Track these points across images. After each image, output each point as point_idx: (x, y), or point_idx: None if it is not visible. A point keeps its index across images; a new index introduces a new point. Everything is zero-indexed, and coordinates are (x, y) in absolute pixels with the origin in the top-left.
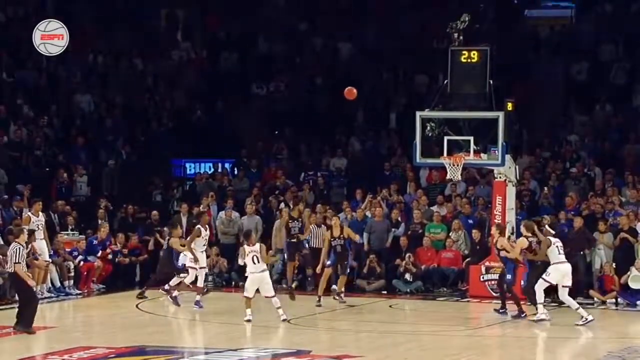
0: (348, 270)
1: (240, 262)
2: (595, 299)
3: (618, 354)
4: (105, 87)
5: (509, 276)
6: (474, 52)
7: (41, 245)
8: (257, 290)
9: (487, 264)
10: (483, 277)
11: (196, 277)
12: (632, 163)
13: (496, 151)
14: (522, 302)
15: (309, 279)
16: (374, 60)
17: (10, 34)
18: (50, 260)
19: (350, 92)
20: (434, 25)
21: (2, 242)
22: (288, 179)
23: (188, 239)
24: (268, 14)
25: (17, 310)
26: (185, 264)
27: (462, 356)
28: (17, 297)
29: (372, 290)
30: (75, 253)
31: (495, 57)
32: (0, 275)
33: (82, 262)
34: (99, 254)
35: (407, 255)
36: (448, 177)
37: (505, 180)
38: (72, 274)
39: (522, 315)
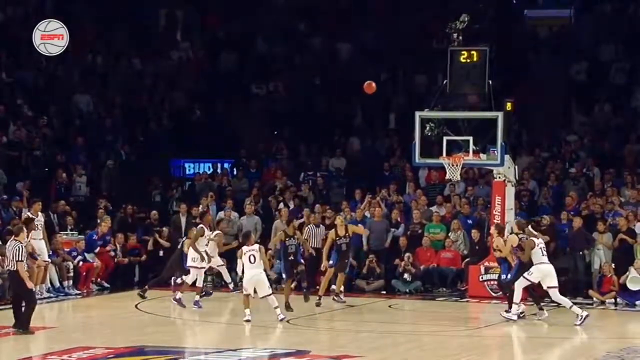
0: (347, 269)
1: (239, 268)
2: (595, 299)
3: (617, 354)
4: (104, 87)
5: (503, 276)
6: (474, 52)
7: (40, 245)
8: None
9: (486, 264)
10: (482, 277)
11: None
12: (631, 163)
13: (495, 151)
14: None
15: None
16: (373, 61)
17: (10, 34)
18: (50, 261)
19: (370, 87)
20: (433, 25)
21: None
22: (287, 179)
23: (192, 238)
24: (267, 14)
25: (12, 310)
26: (187, 264)
27: (462, 356)
28: (13, 296)
29: (371, 290)
30: (75, 253)
31: (495, 57)
32: None
33: (81, 263)
34: (97, 250)
35: (407, 255)
36: (447, 177)
37: (505, 180)
38: (72, 274)
39: (521, 315)
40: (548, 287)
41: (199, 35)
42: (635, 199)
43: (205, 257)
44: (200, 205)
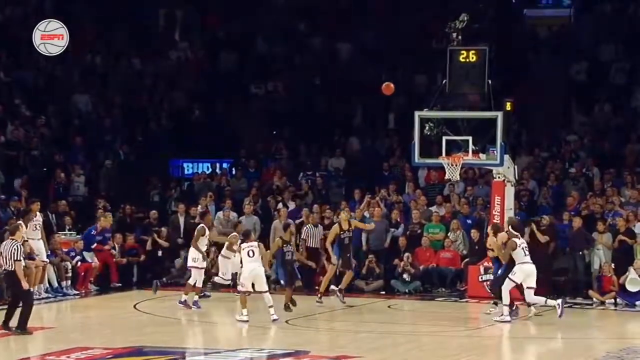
0: (353, 265)
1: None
2: (594, 299)
3: (616, 354)
4: (103, 87)
5: (491, 277)
6: (473, 52)
7: (38, 245)
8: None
9: (485, 264)
10: (482, 277)
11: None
12: (631, 163)
13: (495, 151)
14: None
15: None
16: (373, 61)
17: (9, 33)
18: (48, 261)
19: (388, 88)
20: (433, 25)
21: None
22: (286, 179)
23: (193, 238)
24: (267, 14)
25: (6, 309)
26: (188, 265)
27: (462, 357)
28: (9, 296)
29: (370, 290)
30: (73, 253)
31: (494, 57)
32: None
33: (79, 263)
34: (94, 246)
35: (406, 255)
36: (447, 177)
37: (504, 180)
38: (70, 274)
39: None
40: (527, 287)
41: (198, 35)
42: (635, 199)
43: (206, 257)
44: (199, 206)
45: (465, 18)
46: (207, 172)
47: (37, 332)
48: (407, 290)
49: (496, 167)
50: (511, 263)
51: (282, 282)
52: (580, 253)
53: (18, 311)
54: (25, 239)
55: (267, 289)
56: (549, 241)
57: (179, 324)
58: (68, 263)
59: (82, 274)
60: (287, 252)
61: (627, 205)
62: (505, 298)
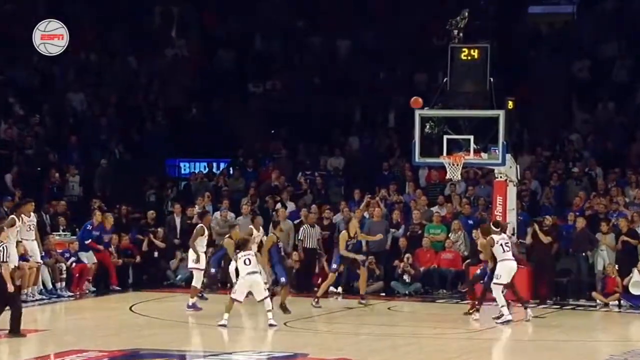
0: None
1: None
2: (598, 301)
3: (620, 357)
4: (98, 85)
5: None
6: (474, 49)
7: (32, 246)
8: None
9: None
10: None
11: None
12: (635, 162)
13: (497, 150)
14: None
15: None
16: (373, 59)
17: (2, 31)
18: (42, 262)
19: (417, 102)
20: (433, 22)
21: None
22: (285, 179)
23: (191, 238)
24: (265, 12)
25: None
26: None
27: (463, 359)
28: None
29: (370, 292)
30: (67, 254)
31: (496, 54)
32: None
33: (74, 264)
34: (89, 242)
35: (406, 256)
36: (448, 176)
37: (506, 180)
38: (64, 275)
39: (473, 311)
40: (495, 282)
41: (195, 33)
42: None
43: (205, 258)
44: (196, 206)
45: (466, 14)
46: (204, 172)
47: (31, 334)
48: (407, 292)
49: (498, 166)
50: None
51: (282, 279)
52: (584, 254)
53: (8, 314)
54: (19, 239)
55: (266, 295)
56: (551, 242)
57: (176, 326)
58: (62, 264)
59: (77, 275)
60: (280, 248)
61: (631, 206)
62: (501, 300)
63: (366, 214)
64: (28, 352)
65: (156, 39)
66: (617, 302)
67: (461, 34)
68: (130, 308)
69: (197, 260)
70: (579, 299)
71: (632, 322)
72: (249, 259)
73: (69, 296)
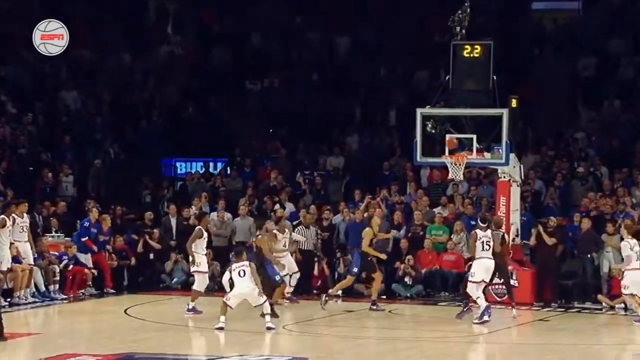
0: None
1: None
2: (604, 303)
3: None
4: (92, 83)
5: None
6: (477, 46)
7: (25, 247)
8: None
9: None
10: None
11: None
12: None
13: (500, 150)
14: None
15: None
16: (373, 56)
17: None
18: (34, 264)
19: (452, 143)
20: (434, 19)
21: None
22: (283, 179)
23: (188, 241)
24: (263, 8)
25: None
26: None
27: None
28: None
29: (370, 294)
30: (65, 257)
31: (499, 52)
32: None
33: (71, 266)
34: (85, 239)
35: (407, 258)
36: (450, 176)
37: (510, 180)
38: (57, 277)
39: (465, 310)
40: (471, 280)
41: (191, 29)
42: None
43: (201, 262)
44: (193, 206)
45: (468, 10)
46: (201, 172)
47: (23, 338)
48: (408, 295)
49: (501, 166)
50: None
51: (277, 277)
52: (589, 256)
53: None
54: (12, 241)
55: (263, 300)
56: (556, 243)
57: (171, 329)
58: (56, 266)
59: (70, 277)
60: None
61: (638, 207)
62: (481, 301)
63: (366, 215)
64: (20, 357)
65: (151, 36)
66: (623, 305)
67: (463, 31)
68: (125, 311)
69: (195, 264)
70: (584, 301)
71: (638, 326)
72: (243, 271)
73: (62, 299)
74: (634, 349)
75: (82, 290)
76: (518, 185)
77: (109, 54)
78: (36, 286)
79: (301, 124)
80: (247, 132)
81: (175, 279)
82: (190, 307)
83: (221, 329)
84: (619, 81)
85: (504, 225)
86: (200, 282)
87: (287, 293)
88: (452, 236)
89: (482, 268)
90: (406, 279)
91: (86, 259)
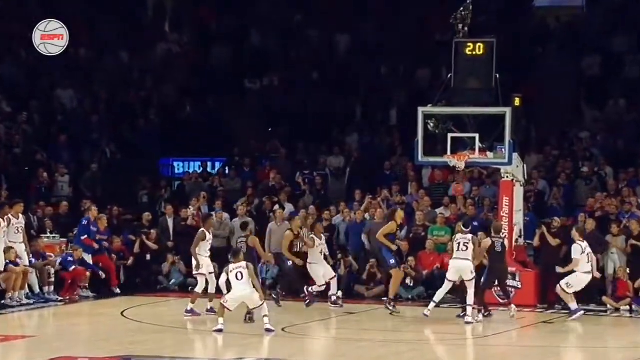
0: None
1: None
2: (609, 305)
3: None
4: (88, 81)
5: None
6: (480, 44)
7: (20, 249)
8: None
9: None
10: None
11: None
12: None
13: (503, 149)
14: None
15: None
16: (373, 54)
17: None
18: (29, 265)
19: (457, 189)
20: (435, 16)
21: None
22: (283, 179)
23: (193, 244)
24: (262, 5)
25: None
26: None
27: None
28: None
29: (371, 296)
30: (70, 259)
31: (502, 49)
32: None
33: (73, 267)
34: (84, 237)
35: (409, 259)
36: (452, 164)
37: (513, 180)
38: (53, 279)
39: (485, 314)
40: (450, 280)
41: (189, 27)
42: None
43: (204, 264)
44: (190, 207)
45: (470, 7)
46: (199, 172)
47: (18, 340)
48: (410, 296)
49: (504, 166)
50: (488, 268)
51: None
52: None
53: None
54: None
55: (260, 303)
56: (560, 244)
57: (169, 332)
58: (51, 267)
59: (69, 280)
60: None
61: None
62: (439, 296)
63: (367, 215)
64: None
65: (149, 34)
66: (628, 307)
67: (466, 28)
68: (122, 313)
69: (202, 266)
70: (588, 303)
71: None
72: (240, 273)
73: (58, 301)
74: (639, 351)
75: (81, 292)
76: (521, 186)
77: (106, 52)
78: (31, 288)
79: (301, 123)
80: (246, 132)
81: (172, 281)
82: (188, 308)
83: (220, 331)
84: (624, 80)
85: (504, 231)
86: (202, 284)
87: (333, 296)
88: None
89: (453, 269)
90: (408, 281)
91: (88, 258)
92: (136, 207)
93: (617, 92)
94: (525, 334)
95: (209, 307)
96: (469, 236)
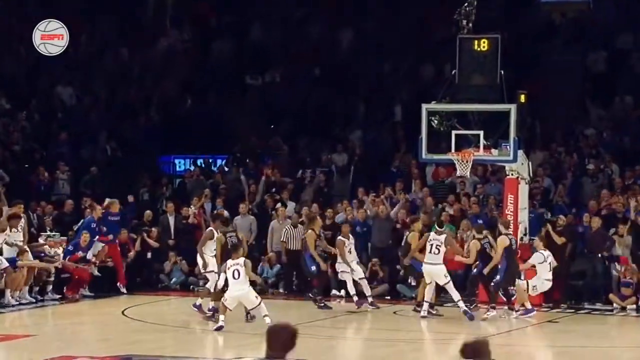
0: None
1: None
2: (615, 304)
3: None
4: (88, 78)
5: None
6: (484, 40)
7: (20, 248)
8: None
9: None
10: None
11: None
12: None
13: (508, 146)
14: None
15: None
16: (376, 50)
17: None
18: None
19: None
20: (439, 12)
21: None
22: (285, 176)
23: (199, 243)
24: (262, 1)
25: None
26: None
27: None
28: None
29: (375, 295)
30: (71, 248)
31: (507, 45)
32: None
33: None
34: (96, 238)
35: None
36: (458, 174)
37: (518, 177)
38: (53, 278)
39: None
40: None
41: (190, 23)
42: None
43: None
44: (192, 205)
45: (475, 2)
46: (200, 169)
47: (17, 340)
48: (413, 295)
49: (509, 163)
50: (507, 265)
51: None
52: (600, 255)
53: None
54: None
55: (257, 303)
56: (565, 243)
57: (170, 331)
58: (51, 267)
59: (76, 277)
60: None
61: None
62: (427, 295)
63: (369, 213)
64: (14, 359)
65: (149, 30)
66: (635, 306)
67: (470, 24)
68: (123, 312)
69: (205, 266)
70: (594, 302)
71: None
72: (237, 271)
73: (57, 299)
74: None
75: (82, 291)
76: (526, 183)
77: (105, 48)
78: (31, 287)
79: (303, 120)
80: (247, 128)
81: (174, 279)
82: (197, 303)
83: (221, 328)
84: (630, 76)
85: (511, 227)
86: (212, 282)
87: (370, 297)
88: (458, 234)
89: (425, 273)
90: (410, 280)
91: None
92: (137, 205)
93: (623, 89)
94: (531, 334)
95: (210, 307)
96: (442, 237)
